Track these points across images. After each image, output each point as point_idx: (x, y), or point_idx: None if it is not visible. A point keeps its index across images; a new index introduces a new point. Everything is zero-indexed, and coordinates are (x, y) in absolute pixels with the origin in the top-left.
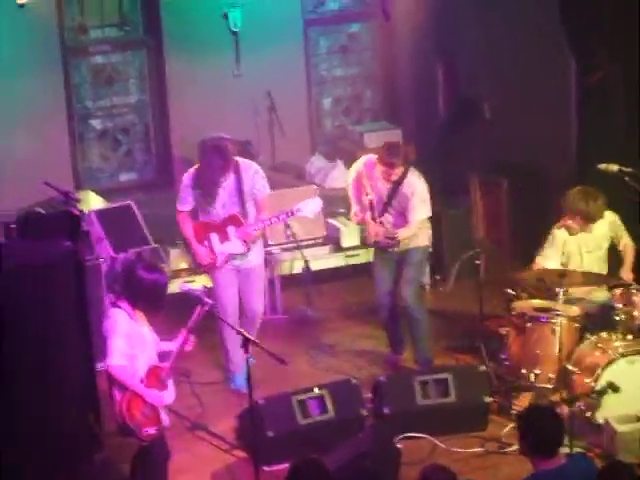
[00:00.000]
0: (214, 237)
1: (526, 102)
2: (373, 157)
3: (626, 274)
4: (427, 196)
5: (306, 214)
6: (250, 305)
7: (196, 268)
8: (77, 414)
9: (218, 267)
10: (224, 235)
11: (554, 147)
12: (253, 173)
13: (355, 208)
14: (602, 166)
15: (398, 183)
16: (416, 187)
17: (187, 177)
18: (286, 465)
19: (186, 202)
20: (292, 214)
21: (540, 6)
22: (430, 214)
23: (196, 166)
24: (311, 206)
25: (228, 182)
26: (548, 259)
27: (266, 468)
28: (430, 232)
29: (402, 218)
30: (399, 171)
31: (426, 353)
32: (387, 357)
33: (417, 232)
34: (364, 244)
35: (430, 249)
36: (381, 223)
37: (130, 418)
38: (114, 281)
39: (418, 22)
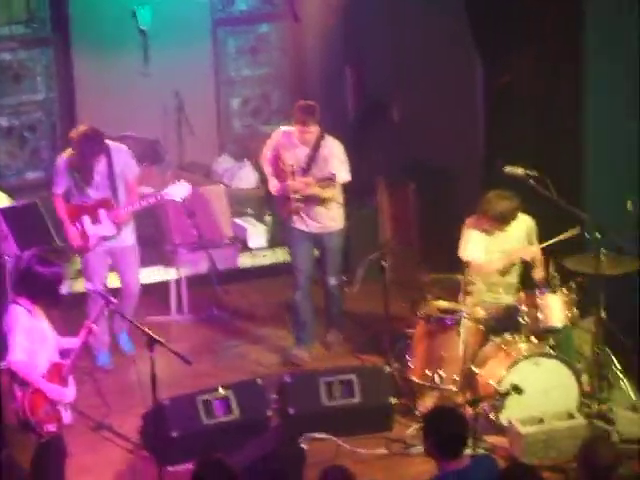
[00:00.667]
0: (86, 219)
1: (434, 104)
2: (289, 127)
3: (538, 274)
4: (345, 158)
5: (173, 198)
6: (127, 285)
7: (69, 250)
8: None
9: (90, 249)
10: (95, 217)
11: (462, 149)
12: (124, 154)
13: (273, 180)
14: (507, 169)
15: (315, 148)
16: (333, 149)
17: (61, 162)
18: (190, 465)
19: (60, 185)
20: (161, 198)
21: (447, 8)
22: (350, 178)
23: (69, 151)
24: (179, 190)
25: (101, 165)
26: (472, 253)
27: (170, 468)
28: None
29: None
30: (314, 129)
31: (342, 322)
32: (292, 356)
33: (334, 214)
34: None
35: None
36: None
37: (32, 414)
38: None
39: (327, 24)
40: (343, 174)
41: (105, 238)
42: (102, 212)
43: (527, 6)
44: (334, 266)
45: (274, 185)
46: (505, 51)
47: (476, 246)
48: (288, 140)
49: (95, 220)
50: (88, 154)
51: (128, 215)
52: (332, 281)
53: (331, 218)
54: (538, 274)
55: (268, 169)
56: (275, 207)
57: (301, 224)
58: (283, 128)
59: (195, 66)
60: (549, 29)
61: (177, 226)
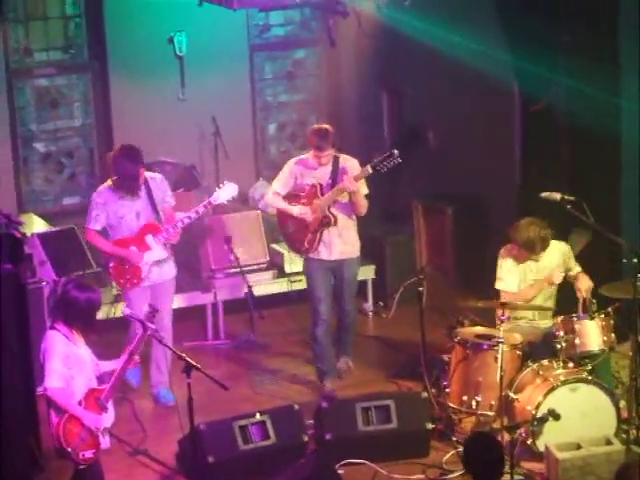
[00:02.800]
0: (133, 249)
1: (470, 130)
2: (301, 155)
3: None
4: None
5: (222, 201)
6: (162, 318)
7: (119, 286)
8: (17, 437)
9: (143, 279)
10: (143, 245)
11: (497, 175)
12: (160, 181)
13: (297, 207)
14: (544, 195)
15: (335, 165)
16: (351, 163)
17: (98, 195)
18: None
19: (97, 221)
20: (210, 204)
21: (485, 33)
22: (367, 191)
23: (107, 183)
24: (226, 192)
25: (141, 193)
26: (507, 283)
27: None
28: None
29: (344, 206)
30: (329, 152)
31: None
32: (324, 393)
33: (353, 239)
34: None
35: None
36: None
37: (66, 441)
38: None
39: (363, 49)
40: (364, 187)
41: (158, 263)
42: (149, 238)
43: (563, 29)
44: (351, 294)
45: (300, 208)
46: (542, 77)
47: (510, 275)
48: (304, 166)
49: (144, 248)
50: (130, 167)
51: (177, 234)
52: (348, 306)
53: (351, 244)
54: (581, 295)
55: (281, 203)
56: (289, 244)
57: (322, 253)
58: (294, 159)
59: (232, 91)
60: (586, 57)
61: (214, 251)
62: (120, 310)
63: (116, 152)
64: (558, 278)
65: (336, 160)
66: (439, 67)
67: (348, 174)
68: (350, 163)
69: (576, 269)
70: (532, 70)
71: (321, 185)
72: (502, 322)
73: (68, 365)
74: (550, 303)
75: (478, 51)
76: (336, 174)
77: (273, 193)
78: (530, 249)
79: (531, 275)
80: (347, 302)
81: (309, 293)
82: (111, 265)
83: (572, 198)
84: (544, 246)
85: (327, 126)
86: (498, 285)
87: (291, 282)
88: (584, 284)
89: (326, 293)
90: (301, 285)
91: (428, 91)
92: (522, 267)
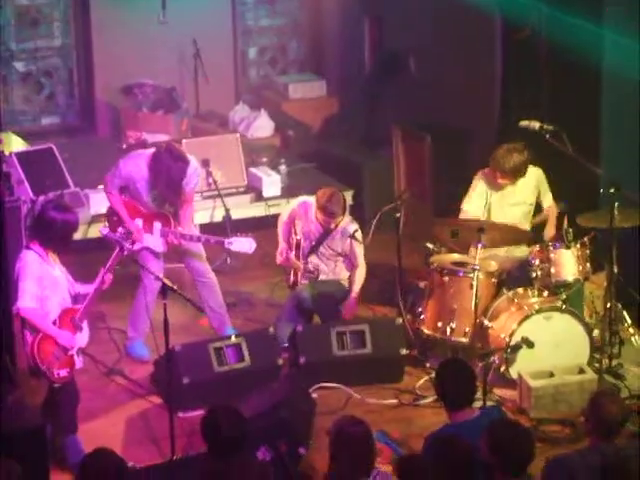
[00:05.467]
0: (138, 222)
1: (452, 57)
2: (309, 199)
3: (549, 231)
4: (361, 239)
5: (236, 249)
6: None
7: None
8: None
9: (132, 250)
10: (149, 227)
11: (478, 103)
12: (192, 171)
13: (282, 246)
14: (524, 123)
15: (331, 229)
16: (347, 229)
17: (134, 168)
18: (201, 412)
19: (117, 186)
20: (222, 244)
21: None
22: (363, 263)
23: (145, 155)
24: (244, 244)
25: None
26: (473, 204)
27: (181, 414)
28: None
29: (328, 262)
30: (339, 220)
31: None
32: None
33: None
34: (288, 285)
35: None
36: (305, 264)
37: (41, 360)
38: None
39: None
40: (359, 259)
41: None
42: (157, 225)
43: None
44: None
45: (280, 252)
46: (525, 5)
47: (478, 198)
48: (305, 212)
49: (148, 229)
50: (177, 178)
51: (179, 241)
52: None
53: (334, 274)
54: (548, 233)
55: (280, 234)
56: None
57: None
58: (303, 199)
59: (213, 14)
60: None
61: None
62: (97, 230)
63: (163, 151)
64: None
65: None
66: None
67: (338, 236)
68: (343, 230)
69: (548, 199)
70: None
71: (301, 245)
72: (477, 248)
73: (42, 285)
74: (525, 225)
75: None
76: (323, 240)
77: (280, 218)
78: (514, 175)
79: (509, 199)
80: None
81: None
82: (114, 219)
83: (551, 127)
84: (525, 170)
85: (337, 190)
86: (465, 205)
87: (268, 206)
88: (549, 230)
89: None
90: (278, 209)
91: (410, 17)
92: (500, 194)
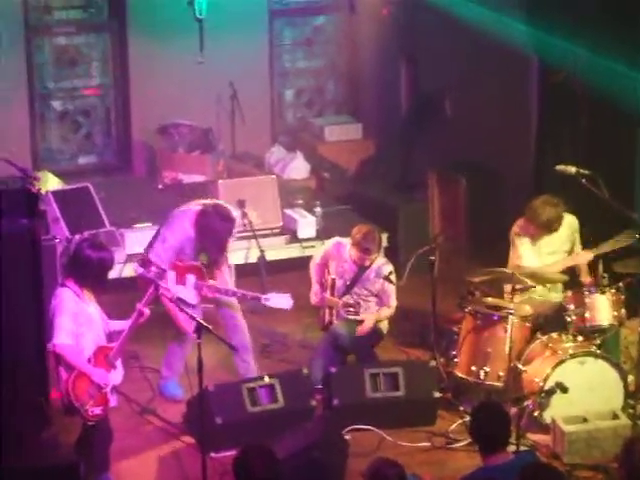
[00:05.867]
0: (171, 274)
1: (488, 100)
2: (342, 240)
3: (584, 278)
4: (394, 281)
5: (272, 305)
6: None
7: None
8: (28, 393)
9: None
10: (182, 279)
11: (513, 146)
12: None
13: (315, 287)
14: (560, 167)
15: (365, 268)
16: (381, 270)
17: (181, 231)
18: (234, 452)
19: (168, 260)
20: (258, 300)
21: (505, 1)
22: (395, 304)
23: (187, 217)
24: (281, 301)
25: None
26: (527, 260)
27: (214, 455)
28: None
29: (362, 303)
30: (374, 257)
31: None
32: None
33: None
34: (322, 326)
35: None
36: (343, 299)
37: (75, 397)
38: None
39: (383, 17)
40: (395, 298)
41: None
42: (190, 278)
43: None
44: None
45: (315, 293)
46: (562, 48)
47: (529, 252)
48: (338, 252)
49: (180, 281)
50: (226, 238)
51: (213, 295)
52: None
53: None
54: (585, 278)
55: (314, 274)
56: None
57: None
58: (336, 239)
59: (250, 56)
60: (605, 23)
61: None
62: (132, 269)
63: (212, 212)
64: (585, 259)
65: (370, 264)
66: (458, 35)
67: (372, 276)
68: (378, 270)
69: (577, 247)
70: (552, 40)
71: (335, 284)
72: (514, 293)
73: (77, 322)
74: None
75: (497, 19)
76: (358, 280)
77: (313, 260)
78: (548, 229)
79: (546, 248)
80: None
81: None
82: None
83: (587, 172)
84: (560, 223)
85: (372, 228)
86: (519, 262)
87: (303, 248)
88: (584, 276)
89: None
90: (313, 251)
91: (446, 60)
92: (537, 243)
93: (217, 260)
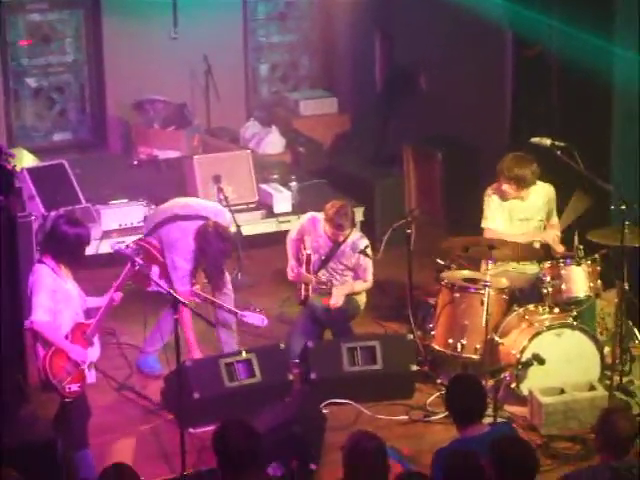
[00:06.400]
0: (155, 270)
1: (462, 74)
2: (317, 215)
3: (557, 250)
4: (370, 254)
5: (248, 321)
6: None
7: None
8: (5, 370)
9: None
10: (164, 276)
11: (488, 120)
12: None
13: (292, 263)
14: (535, 140)
15: (340, 242)
16: (361, 247)
17: (182, 237)
18: (212, 427)
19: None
20: (236, 314)
21: None
22: (371, 279)
23: (190, 230)
24: (256, 318)
25: None
26: (491, 221)
27: (192, 430)
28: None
29: (338, 277)
30: (348, 233)
31: None
32: None
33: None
34: (299, 301)
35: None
36: (317, 277)
37: (53, 374)
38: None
39: None
40: (367, 274)
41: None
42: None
43: None
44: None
45: (291, 268)
46: (536, 22)
47: (495, 214)
48: (313, 227)
49: (162, 277)
50: (223, 258)
51: (193, 299)
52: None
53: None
54: (558, 250)
55: (290, 249)
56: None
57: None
58: (311, 214)
59: (224, 31)
60: (581, 2)
61: (203, 190)
62: (109, 245)
63: (212, 232)
64: (552, 238)
65: (345, 239)
66: (433, 9)
67: (348, 250)
68: (353, 244)
69: (554, 219)
70: (526, 14)
71: (311, 260)
72: (488, 265)
73: (55, 299)
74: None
75: None
76: (333, 255)
77: (289, 235)
78: (518, 184)
79: (519, 214)
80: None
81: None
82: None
83: (562, 144)
84: (533, 181)
85: (345, 203)
86: (484, 224)
87: (279, 222)
88: (557, 248)
89: (302, 336)
90: (289, 225)
91: (421, 34)
92: (508, 205)
93: (214, 278)
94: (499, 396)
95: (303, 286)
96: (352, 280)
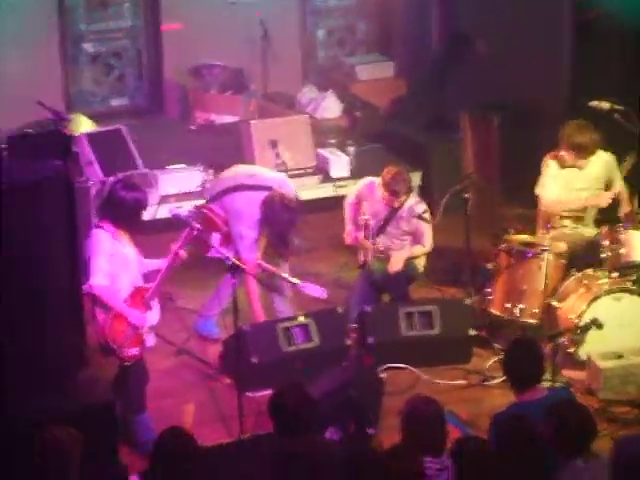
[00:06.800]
0: (216, 236)
1: (520, 38)
2: (375, 180)
3: (623, 211)
4: (429, 219)
5: (305, 292)
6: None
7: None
8: (63, 332)
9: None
10: (226, 244)
11: (547, 84)
12: None
13: (349, 227)
14: (593, 103)
15: (397, 207)
16: (418, 211)
17: (247, 205)
18: (269, 392)
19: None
20: (295, 286)
21: None
22: (430, 245)
23: (257, 199)
24: (315, 290)
25: None
26: (547, 189)
27: (250, 394)
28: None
29: (397, 242)
30: (403, 199)
31: None
32: None
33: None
34: (358, 265)
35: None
36: (375, 244)
37: (112, 338)
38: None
39: None
40: (431, 237)
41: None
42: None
43: None
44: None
45: (348, 233)
46: None
47: (552, 182)
48: (371, 192)
49: (224, 245)
50: (289, 228)
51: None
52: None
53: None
54: (623, 210)
55: (347, 213)
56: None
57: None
58: (369, 179)
59: None
60: None
61: (260, 155)
62: (167, 210)
63: (277, 202)
64: (606, 201)
65: (401, 205)
66: None
67: (405, 215)
68: (413, 214)
69: (618, 183)
70: None
71: (369, 225)
72: (547, 230)
73: (113, 263)
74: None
75: None
76: (391, 219)
77: (347, 198)
78: (579, 151)
79: (577, 184)
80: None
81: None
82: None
83: (621, 107)
84: (593, 151)
85: (402, 169)
86: (538, 190)
87: (337, 187)
88: (623, 208)
89: (361, 298)
90: (346, 190)
91: None
92: (566, 173)
93: (279, 247)
94: (557, 361)
95: (362, 251)
96: (410, 245)
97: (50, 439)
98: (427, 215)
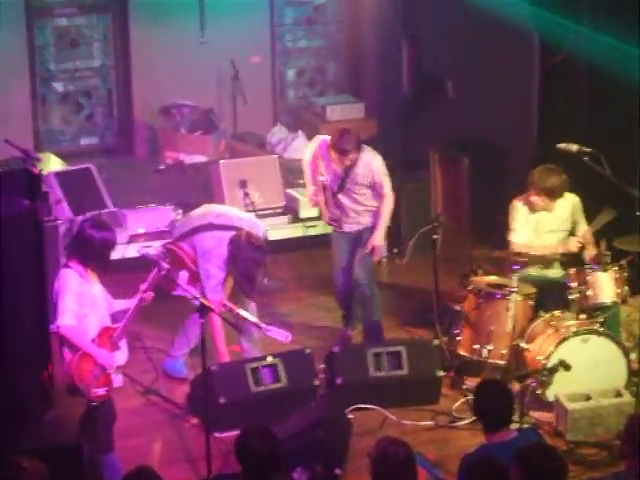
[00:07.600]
0: (183, 274)
1: (489, 81)
2: (327, 138)
3: (589, 254)
4: (384, 170)
5: (272, 336)
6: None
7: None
8: (30, 373)
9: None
10: (193, 283)
11: (515, 126)
12: None
13: (311, 189)
14: (561, 146)
15: (352, 165)
16: (374, 164)
17: (216, 245)
18: (237, 432)
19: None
20: (260, 328)
21: None
22: (390, 193)
23: (224, 239)
24: (280, 335)
25: None
26: (518, 234)
27: (217, 434)
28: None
29: (354, 199)
30: (352, 157)
31: (376, 327)
32: (340, 332)
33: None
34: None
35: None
36: (336, 203)
37: (79, 378)
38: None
39: None
40: (389, 185)
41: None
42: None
43: None
44: (364, 260)
45: (313, 194)
46: (563, 28)
47: (522, 226)
48: (325, 153)
49: (191, 280)
50: (255, 268)
51: (219, 309)
52: (360, 274)
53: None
54: (589, 254)
55: (307, 174)
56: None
57: (339, 227)
58: (322, 137)
59: (252, 36)
60: (607, 8)
61: (230, 195)
62: (135, 250)
63: (244, 241)
64: (576, 246)
65: (354, 162)
66: (460, 15)
67: (360, 170)
68: (369, 167)
69: (583, 225)
70: (553, 19)
71: (327, 186)
72: (514, 271)
73: (81, 303)
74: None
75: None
76: (347, 177)
77: (305, 158)
78: (549, 195)
79: (546, 226)
80: (355, 269)
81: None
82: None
83: (589, 150)
84: (562, 192)
85: (349, 130)
86: (511, 236)
87: (306, 227)
88: (588, 252)
89: (340, 262)
90: (316, 230)
91: (448, 38)
92: (535, 218)
93: (244, 286)
94: (525, 402)
95: (324, 213)
96: (372, 198)
97: (15, 465)
98: (383, 165)
